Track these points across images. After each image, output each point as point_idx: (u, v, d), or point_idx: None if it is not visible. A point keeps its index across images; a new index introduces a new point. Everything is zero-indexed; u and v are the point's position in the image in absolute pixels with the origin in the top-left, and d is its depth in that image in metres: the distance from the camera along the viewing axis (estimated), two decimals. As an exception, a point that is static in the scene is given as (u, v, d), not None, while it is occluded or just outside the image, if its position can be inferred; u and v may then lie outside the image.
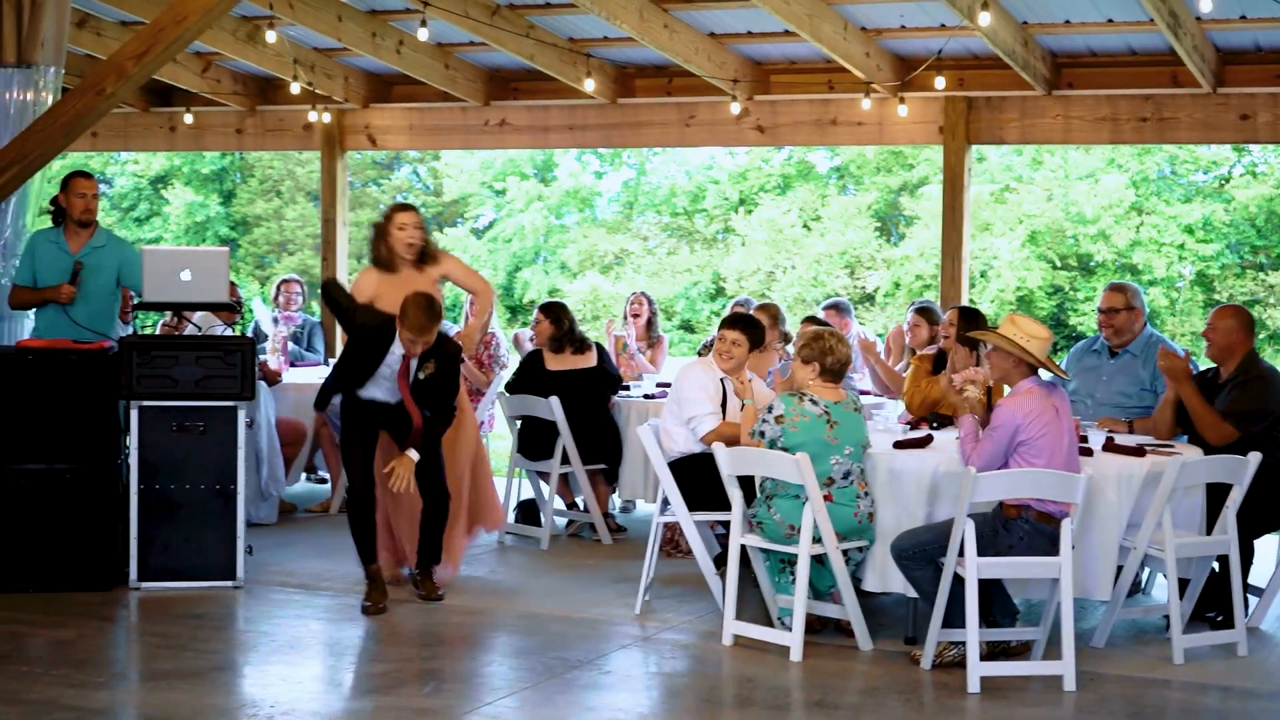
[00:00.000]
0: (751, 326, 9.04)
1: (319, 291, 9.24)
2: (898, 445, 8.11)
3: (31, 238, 9.52)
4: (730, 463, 7.79)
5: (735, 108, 12.91)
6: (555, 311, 10.90)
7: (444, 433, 8.79)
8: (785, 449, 7.61)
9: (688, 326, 32.51)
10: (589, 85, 12.72)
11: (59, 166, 19.72)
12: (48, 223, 9.68)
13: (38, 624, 8.08)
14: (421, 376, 8.50)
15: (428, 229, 9.40)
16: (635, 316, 12.41)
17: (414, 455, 8.51)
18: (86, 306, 9.39)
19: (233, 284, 10.24)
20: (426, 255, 9.24)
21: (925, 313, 11.19)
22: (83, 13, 12.46)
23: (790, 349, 10.46)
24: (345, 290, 9.01)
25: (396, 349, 8.46)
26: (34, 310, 9.54)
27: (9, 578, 8.74)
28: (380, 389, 8.61)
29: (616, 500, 11.51)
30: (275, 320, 12.58)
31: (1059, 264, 31.14)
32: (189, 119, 15.00)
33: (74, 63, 12.49)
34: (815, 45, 11.44)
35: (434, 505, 8.74)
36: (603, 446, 10.64)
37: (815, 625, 7.96)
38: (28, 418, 8.76)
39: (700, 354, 11.22)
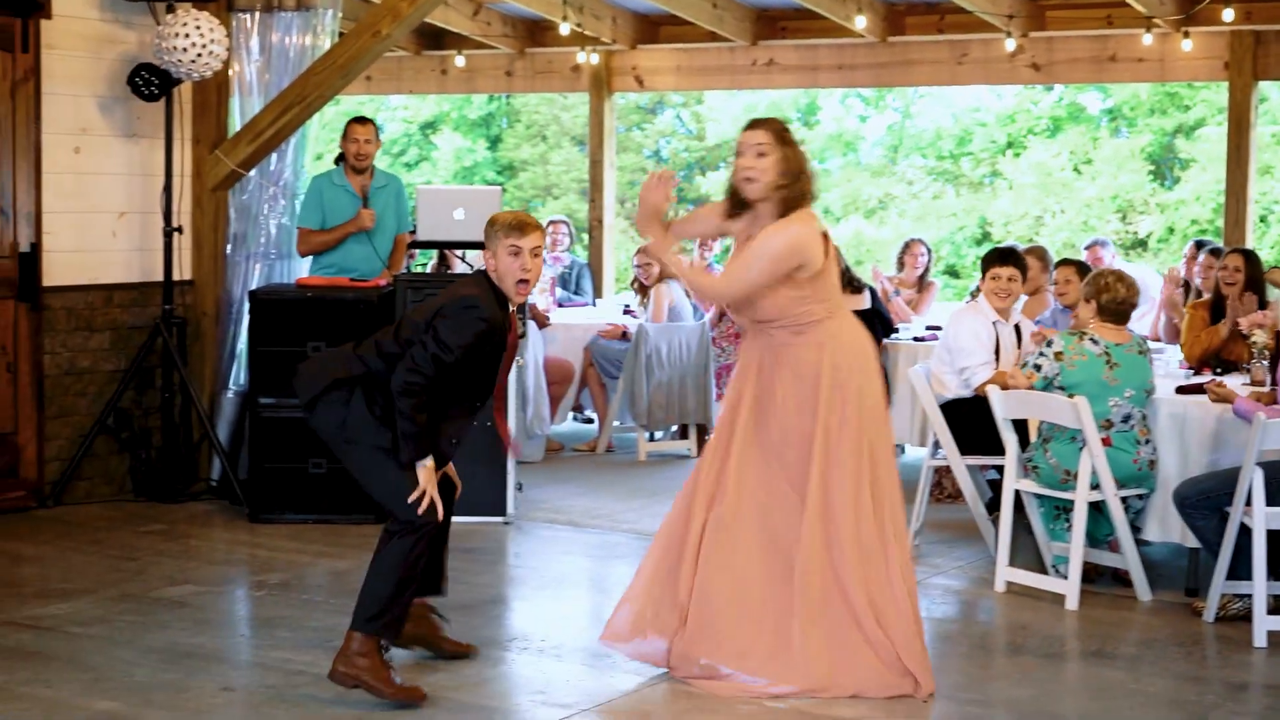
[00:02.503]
0: (1021, 261, 8.84)
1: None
2: (1180, 390, 7.85)
3: (314, 181, 9.69)
4: (1005, 405, 7.61)
5: (1010, 44, 12.60)
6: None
7: None
8: (1062, 388, 7.42)
9: (952, 272, 31.99)
10: (859, 23, 12.53)
11: (334, 112, 20.17)
12: (327, 166, 9.87)
13: (317, 554, 8.28)
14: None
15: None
16: (911, 265, 12.25)
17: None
18: (381, 231, 9.57)
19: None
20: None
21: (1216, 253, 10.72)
22: (359, -43, 12.69)
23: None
24: None
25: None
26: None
27: (289, 508, 8.98)
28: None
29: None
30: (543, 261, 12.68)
31: (1344, 209, 29.91)
32: (460, 61, 15.20)
33: (350, 7, 12.69)
34: (1095, -22, 11.12)
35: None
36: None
37: (1091, 574, 7.75)
38: (306, 354, 8.95)
39: (971, 299, 10.99)
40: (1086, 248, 12.04)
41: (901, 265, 12.35)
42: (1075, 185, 31.85)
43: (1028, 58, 13.05)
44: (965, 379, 8.55)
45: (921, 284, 12.26)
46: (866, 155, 35.65)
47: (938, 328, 11.01)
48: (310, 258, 9.65)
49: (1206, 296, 9.62)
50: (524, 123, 36.25)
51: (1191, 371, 8.69)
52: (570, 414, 12.45)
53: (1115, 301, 7.61)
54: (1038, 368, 7.57)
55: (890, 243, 31.36)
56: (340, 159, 9.66)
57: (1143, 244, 31.07)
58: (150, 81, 9.27)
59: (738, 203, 6.11)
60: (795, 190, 6.01)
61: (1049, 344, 7.62)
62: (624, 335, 11.57)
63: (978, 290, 10.84)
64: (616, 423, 11.72)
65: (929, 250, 12.43)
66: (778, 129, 6.11)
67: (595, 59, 14.57)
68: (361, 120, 9.72)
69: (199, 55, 9.07)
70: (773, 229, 5.94)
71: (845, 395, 5.99)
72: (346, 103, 19.99)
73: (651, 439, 11.53)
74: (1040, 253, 10.72)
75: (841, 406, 5.99)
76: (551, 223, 13.46)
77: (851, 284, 10.58)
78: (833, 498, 5.97)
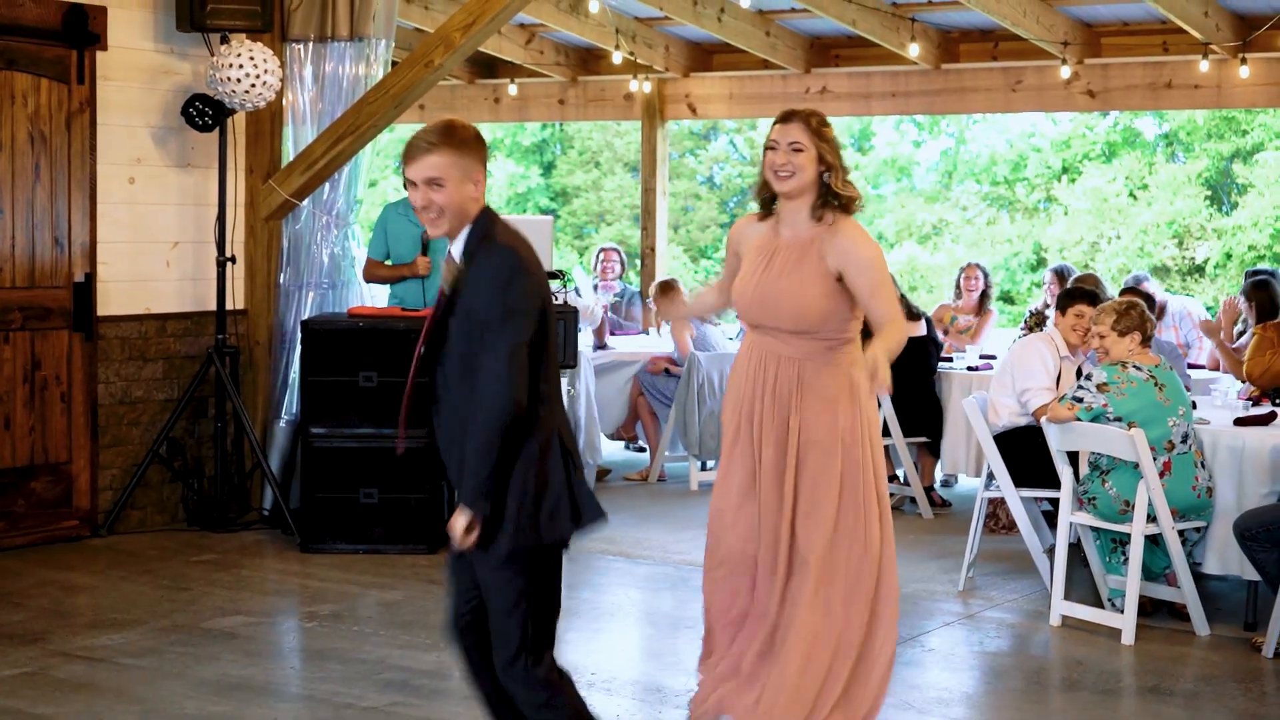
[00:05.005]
0: (1096, 298, 8.85)
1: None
2: (1239, 422, 7.77)
3: (384, 211, 9.80)
4: (1060, 437, 7.54)
5: (1065, 71, 12.52)
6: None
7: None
8: (1118, 419, 7.34)
9: (1007, 298, 31.82)
10: (913, 51, 12.48)
11: (387, 139, 20.23)
12: (381, 195, 9.90)
13: (367, 584, 8.27)
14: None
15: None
16: (969, 290, 12.16)
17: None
18: (437, 275, 9.59)
19: None
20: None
21: (1260, 286, 10.56)
22: (411, -13, 12.72)
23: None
24: None
25: None
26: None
27: (340, 538, 8.97)
28: None
29: (939, 474, 11.29)
30: (595, 288, 12.67)
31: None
32: (513, 90, 15.23)
33: (402, 36, 12.75)
34: (1150, 5, 11.03)
35: None
36: (925, 419, 10.45)
37: (1148, 608, 7.66)
38: (358, 384, 8.96)
39: (1029, 325, 10.89)
40: (1129, 289, 11.89)
41: (959, 291, 12.26)
42: (1131, 211, 31.66)
43: (1083, 84, 12.97)
44: (1024, 401, 8.48)
45: (980, 310, 12.13)
46: (921, 180, 35.54)
47: (992, 357, 10.94)
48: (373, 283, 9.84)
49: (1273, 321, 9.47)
50: (577, 149, 36.33)
51: (1250, 402, 8.57)
52: (622, 442, 12.43)
53: (1153, 327, 7.69)
54: (1078, 400, 7.49)
55: (945, 269, 31.23)
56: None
57: (1200, 270, 30.84)
58: (204, 112, 9.32)
59: (768, 202, 5.65)
60: (841, 189, 5.50)
61: (1088, 377, 7.55)
62: (667, 371, 11.53)
63: (1036, 315, 10.80)
64: (668, 452, 11.68)
65: (985, 274, 12.32)
66: (814, 123, 5.51)
67: (648, 87, 14.56)
68: None
69: (253, 85, 9.11)
70: (859, 240, 5.43)
71: (866, 422, 5.54)
72: (401, 130, 20.04)
73: (704, 468, 11.49)
74: (1093, 281, 10.63)
75: (865, 434, 5.52)
76: (603, 250, 13.45)
77: (909, 312, 10.51)
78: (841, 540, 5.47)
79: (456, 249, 4.54)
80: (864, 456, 5.51)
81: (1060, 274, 11.89)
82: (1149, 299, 9.93)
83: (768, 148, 5.50)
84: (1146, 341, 7.61)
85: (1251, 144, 31.21)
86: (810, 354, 5.49)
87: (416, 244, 9.57)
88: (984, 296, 12.22)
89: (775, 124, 5.52)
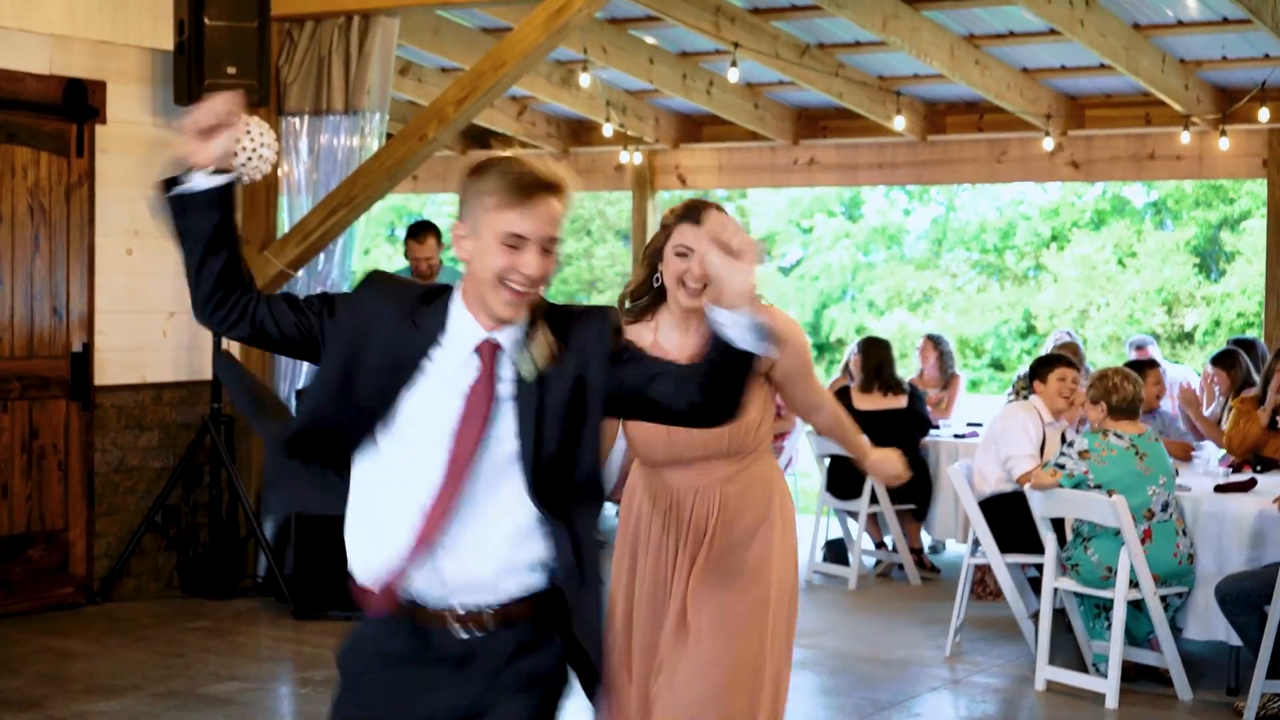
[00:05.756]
0: (1071, 362, 9.01)
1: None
2: (1219, 489, 7.89)
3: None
4: (1043, 504, 7.66)
5: (1049, 143, 12.70)
6: (865, 348, 10.84)
7: None
8: (1098, 486, 7.45)
9: (997, 364, 31.97)
10: (899, 123, 12.66)
11: (380, 207, 20.39)
12: (374, 263, 10.04)
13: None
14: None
15: None
16: (923, 360, 12.17)
17: None
18: None
19: None
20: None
21: (1225, 359, 10.56)
22: (405, 61, 12.89)
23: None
24: None
25: None
26: None
27: (334, 605, 9.01)
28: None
29: (926, 540, 11.39)
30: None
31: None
32: (505, 161, 15.37)
33: (395, 109, 12.92)
34: (1132, 79, 11.21)
35: None
36: (912, 486, 10.55)
37: (1131, 672, 7.74)
38: (352, 451, 9.08)
39: (1016, 391, 11.00)
40: (1136, 348, 12.04)
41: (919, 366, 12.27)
42: (1120, 278, 31.85)
43: (1067, 155, 13.16)
44: (1009, 468, 8.61)
45: (945, 381, 12.10)
46: (910, 248, 35.73)
47: (979, 424, 11.05)
48: None
49: (1250, 393, 9.61)
50: (568, 218, 36.47)
51: (1231, 470, 8.70)
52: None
53: (1125, 400, 7.66)
54: (1060, 466, 7.60)
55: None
56: (408, 254, 9.91)
57: (1189, 337, 30.99)
58: (201, 184, 9.44)
59: (647, 308, 4.70)
60: None
61: (1070, 444, 7.67)
62: None
63: (1020, 386, 10.90)
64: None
65: (938, 343, 12.18)
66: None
67: (639, 158, 14.75)
68: (417, 236, 9.84)
69: (250, 158, 9.25)
70: (788, 323, 4.62)
71: (789, 538, 4.75)
72: (392, 199, 20.22)
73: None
74: (1071, 347, 10.77)
75: (791, 551, 4.76)
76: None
77: (893, 385, 10.61)
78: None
79: (515, 329, 3.31)
80: (781, 590, 4.67)
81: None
82: (1152, 364, 10.04)
83: (677, 254, 4.52)
84: (1118, 411, 7.66)
85: (1239, 212, 31.44)
86: (729, 476, 4.64)
87: None
88: (944, 366, 12.10)
89: (682, 223, 4.54)
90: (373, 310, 3.32)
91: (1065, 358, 9.09)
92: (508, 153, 3.50)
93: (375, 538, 3.34)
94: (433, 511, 3.24)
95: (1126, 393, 7.69)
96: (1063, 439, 8.60)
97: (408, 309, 3.31)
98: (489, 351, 3.27)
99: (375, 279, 3.41)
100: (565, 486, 3.29)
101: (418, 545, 3.25)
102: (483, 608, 3.28)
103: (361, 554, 3.39)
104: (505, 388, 3.27)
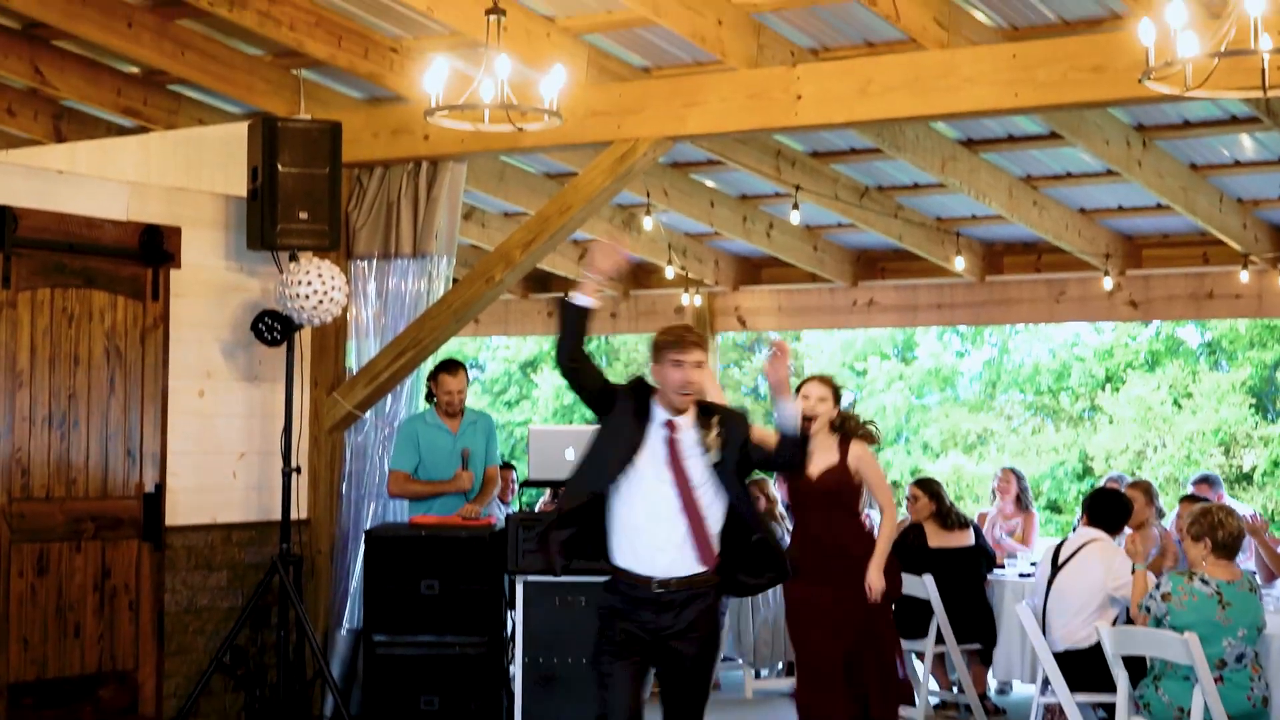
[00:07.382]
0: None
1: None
2: (1294, 627, 7.82)
3: (408, 423, 9.87)
4: (1115, 642, 7.61)
5: (1108, 283, 12.77)
6: (932, 488, 10.82)
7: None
8: (1174, 628, 7.39)
9: (1054, 507, 31.77)
10: (959, 264, 12.77)
11: (444, 349, 20.55)
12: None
13: (429, 791, 8.36)
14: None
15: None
16: (1003, 494, 12.25)
17: None
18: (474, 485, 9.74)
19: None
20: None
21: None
22: (469, 206, 13.10)
23: (1166, 524, 10.23)
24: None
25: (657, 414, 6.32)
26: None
27: (401, 746, 9.06)
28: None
29: (992, 681, 11.30)
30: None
31: None
32: (565, 304, 15.51)
33: (460, 253, 13.11)
34: (1190, 218, 11.29)
35: None
36: (978, 625, 10.49)
37: (1207, 813, 7.65)
38: (419, 592, 9.13)
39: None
40: (1195, 483, 12.02)
41: (994, 495, 12.35)
42: (1175, 419, 31.71)
43: (1125, 295, 13.22)
44: (1120, 596, 8.46)
45: (1022, 511, 12.15)
46: (964, 390, 35.68)
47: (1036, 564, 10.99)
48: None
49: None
50: (623, 360, 36.65)
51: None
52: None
53: (1230, 537, 7.52)
54: (1148, 610, 7.54)
55: (990, 479, 31.17)
56: (430, 397, 9.89)
57: (1248, 478, 30.78)
58: (273, 327, 9.59)
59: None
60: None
61: (1157, 586, 7.60)
62: None
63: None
64: (722, 659, 11.71)
65: (1019, 476, 12.34)
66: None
67: (699, 300, 14.88)
68: (451, 370, 9.85)
69: (320, 301, 9.38)
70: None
71: None
72: (452, 341, 20.42)
73: (757, 676, 11.52)
74: (1145, 487, 10.75)
75: None
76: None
77: (958, 520, 10.61)
78: None
79: (689, 418, 6.19)
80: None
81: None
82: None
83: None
84: (1220, 549, 7.52)
85: (1295, 352, 31.32)
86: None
87: (452, 456, 9.63)
88: (1022, 499, 12.25)
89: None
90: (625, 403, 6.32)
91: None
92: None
93: (646, 536, 6.13)
94: (690, 515, 6.12)
95: (1231, 528, 7.52)
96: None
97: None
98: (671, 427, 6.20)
99: (625, 389, 6.38)
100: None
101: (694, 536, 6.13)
102: (673, 577, 6.11)
103: (629, 547, 6.17)
104: (691, 449, 6.17)
